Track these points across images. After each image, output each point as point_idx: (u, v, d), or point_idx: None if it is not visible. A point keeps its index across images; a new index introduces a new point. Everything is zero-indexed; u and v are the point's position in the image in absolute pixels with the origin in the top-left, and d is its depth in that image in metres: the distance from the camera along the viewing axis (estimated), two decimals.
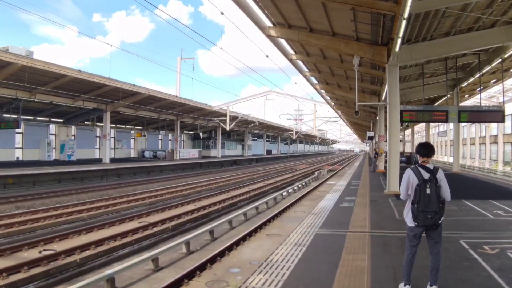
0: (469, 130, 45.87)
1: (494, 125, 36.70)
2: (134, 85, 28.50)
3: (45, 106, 31.12)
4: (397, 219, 9.54)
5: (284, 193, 20.45)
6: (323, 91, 32.21)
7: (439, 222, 4.50)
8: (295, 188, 22.91)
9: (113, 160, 35.68)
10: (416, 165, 4.73)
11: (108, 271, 7.23)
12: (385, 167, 20.00)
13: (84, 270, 8.65)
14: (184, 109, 38.88)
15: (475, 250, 6.50)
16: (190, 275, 7.36)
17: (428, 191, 4.43)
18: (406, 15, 9.37)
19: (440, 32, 14.25)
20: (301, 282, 5.25)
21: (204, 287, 6.08)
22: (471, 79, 20.46)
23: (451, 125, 37.38)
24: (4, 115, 28.18)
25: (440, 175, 4.57)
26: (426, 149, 4.76)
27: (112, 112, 33.44)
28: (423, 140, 48.06)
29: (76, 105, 30.78)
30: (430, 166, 4.61)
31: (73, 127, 38.80)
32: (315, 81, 28.44)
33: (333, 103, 41.13)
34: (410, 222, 4.63)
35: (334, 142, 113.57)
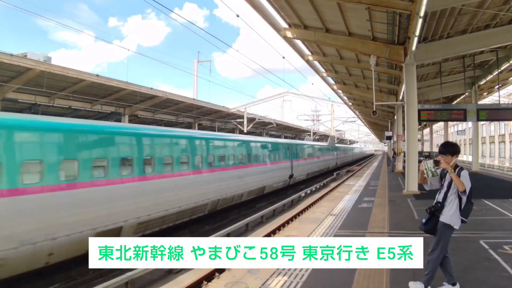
0: (488, 128, 45.09)
1: None
2: (151, 88, 28.74)
3: (64, 110, 31.53)
4: (416, 220, 9.46)
5: (302, 194, 20.43)
6: (340, 91, 32.02)
7: None
8: (313, 189, 22.86)
9: None
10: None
11: (128, 273, 7.34)
12: (403, 167, 19.84)
13: (104, 272, 8.79)
14: (202, 112, 39.04)
15: (495, 250, 6.43)
16: (209, 277, 7.45)
17: None
18: (422, 13, 9.32)
19: (457, 30, 14.10)
20: (320, 283, 5.28)
21: None
22: (489, 77, 20.20)
23: (469, 124, 36.75)
24: None
25: None
26: (442, 146, 4.83)
27: (130, 116, 33.74)
28: (441, 139, 47.44)
29: (95, 109, 31.11)
30: None
31: None
32: (332, 81, 28.32)
33: (350, 103, 40.83)
34: (457, 222, 4.67)
35: (352, 142, 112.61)
